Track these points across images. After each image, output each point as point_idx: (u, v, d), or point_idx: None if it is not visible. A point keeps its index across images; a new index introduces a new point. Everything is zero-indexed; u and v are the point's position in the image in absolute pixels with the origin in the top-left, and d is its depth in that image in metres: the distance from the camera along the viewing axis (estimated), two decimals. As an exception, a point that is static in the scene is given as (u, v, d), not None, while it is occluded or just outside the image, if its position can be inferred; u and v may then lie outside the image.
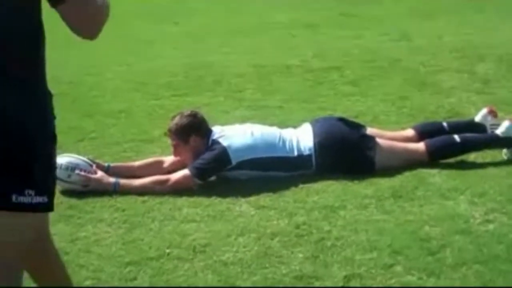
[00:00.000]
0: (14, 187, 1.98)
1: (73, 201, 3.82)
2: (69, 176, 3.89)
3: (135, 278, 3.05)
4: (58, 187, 3.88)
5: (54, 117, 2.08)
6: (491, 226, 3.34)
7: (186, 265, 3.13)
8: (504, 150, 4.13)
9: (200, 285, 2.97)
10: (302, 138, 4.03)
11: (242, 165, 3.92)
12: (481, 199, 3.62)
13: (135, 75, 6.42)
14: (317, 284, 2.92)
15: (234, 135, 3.99)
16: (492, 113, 4.37)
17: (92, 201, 3.82)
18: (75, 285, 2.67)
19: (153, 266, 3.12)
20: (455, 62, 6.28)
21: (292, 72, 6.23)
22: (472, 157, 4.15)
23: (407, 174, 3.95)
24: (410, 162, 4.03)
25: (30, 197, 1.99)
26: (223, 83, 6.00)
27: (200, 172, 3.88)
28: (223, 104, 5.45)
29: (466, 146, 4.09)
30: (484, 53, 6.51)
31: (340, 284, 2.90)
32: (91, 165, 3.97)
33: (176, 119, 4.05)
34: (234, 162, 3.92)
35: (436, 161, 4.06)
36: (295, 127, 4.25)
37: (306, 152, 3.98)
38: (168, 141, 4.11)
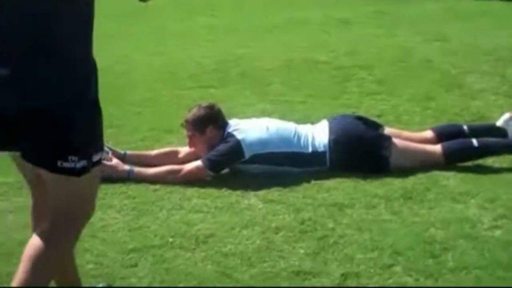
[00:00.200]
0: (59, 154, 2.22)
1: (87, 186, 3.89)
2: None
3: (136, 265, 3.09)
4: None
5: (97, 88, 2.29)
6: (498, 232, 3.30)
7: (188, 254, 3.16)
8: (523, 156, 4.07)
9: (199, 274, 3.00)
10: (317, 134, 4.03)
11: (255, 158, 3.94)
12: (492, 204, 3.57)
13: (164, 65, 6.49)
14: (313, 280, 2.92)
15: (249, 128, 4.01)
16: (515, 118, 4.31)
17: (105, 187, 3.85)
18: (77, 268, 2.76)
19: (154, 254, 3.16)
20: (487, 64, 6.19)
21: (321, 68, 6.22)
22: (489, 161, 4.09)
23: (420, 175, 3.92)
24: (426, 164, 3.99)
25: (73, 162, 2.22)
26: (250, 77, 6.02)
27: (213, 164, 3.91)
28: (248, 97, 5.48)
29: (484, 150, 4.04)
30: (518, 56, 6.42)
31: (336, 282, 2.90)
32: (107, 152, 4.02)
33: (194, 110, 4.09)
34: (247, 155, 3.94)
35: (452, 164, 4.02)
36: (313, 123, 4.26)
37: (321, 149, 3.98)
38: (184, 132, 4.15)
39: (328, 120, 4.15)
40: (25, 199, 3.75)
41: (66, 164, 2.23)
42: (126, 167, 3.95)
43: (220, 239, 3.28)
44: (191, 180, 3.88)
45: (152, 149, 4.32)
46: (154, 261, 3.12)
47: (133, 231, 3.39)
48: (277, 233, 3.33)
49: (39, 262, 2.30)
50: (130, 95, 5.57)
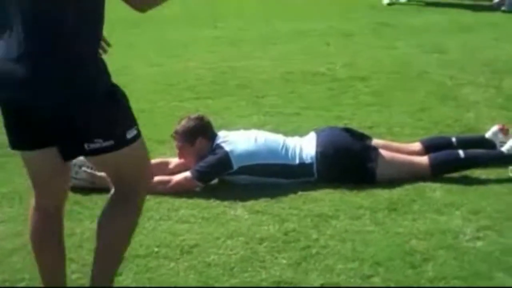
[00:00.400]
0: (85, 137, 2.51)
1: (78, 197, 3.95)
2: (76, 173, 4.01)
3: (120, 274, 3.12)
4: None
5: (109, 77, 2.53)
6: (479, 243, 3.33)
7: (171, 264, 3.22)
8: (510, 167, 4.09)
9: (180, 284, 3.05)
10: (305, 146, 4.08)
11: (243, 170, 3.99)
12: (476, 215, 3.61)
13: (164, 77, 6.55)
14: (292, 290, 2.97)
15: (238, 140, 4.06)
16: (503, 130, 4.33)
17: (96, 198, 3.93)
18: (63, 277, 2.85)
19: (139, 264, 3.22)
20: (484, 76, 6.21)
21: (318, 80, 6.25)
22: (477, 173, 4.13)
23: (407, 187, 3.96)
24: (412, 175, 4.03)
25: (99, 143, 2.51)
26: (247, 88, 6.07)
27: (202, 175, 3.97)
28: (243, 108, 5.53)
29: (470, 162, 4.08)
30: (515, 68, 6.44)
31: (315, 292, 2.95)
32: (98, 163, 4.08)
33: (184, 122, 4.14)
34: (235, 166, 3.99)
35: (439, 176, 4.05)
36: (303, 135, 4.30)
37: (308, 161, 4.03)
38: (174, 143, 4.21)
39: (316, 132, 4.20)
40: (17, 209, 3.85)
41: (93, 146, 2.51)
42: (116, 178, 4.01)
43: (204, 249, 3.34)
44: (180, 191, 3.94)
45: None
46: (138, 270, 3.18)
47: (120, 241, 3.44)
48: (260, 244, 3.38)
49: (122, 226, 2.69)
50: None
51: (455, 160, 4.06)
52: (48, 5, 2.40)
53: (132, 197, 2.68)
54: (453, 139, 4.31)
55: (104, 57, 2.62)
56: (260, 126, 4.77)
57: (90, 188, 4.01)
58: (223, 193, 3.93)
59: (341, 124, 4.75)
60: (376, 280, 3.02)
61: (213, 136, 4.12)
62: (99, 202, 3.88)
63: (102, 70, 2.54)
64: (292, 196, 3.88)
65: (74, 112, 2.46)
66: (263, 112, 5.41)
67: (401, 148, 4.26)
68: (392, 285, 2.98)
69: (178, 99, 5.82)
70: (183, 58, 7.42)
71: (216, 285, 3.03)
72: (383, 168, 4.00)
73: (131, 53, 7.41)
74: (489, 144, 4.29)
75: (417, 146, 4.29)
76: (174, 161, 4.22)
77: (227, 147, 4.00)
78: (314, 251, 3.30)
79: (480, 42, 7.71)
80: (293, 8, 10.09)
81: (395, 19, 9.08)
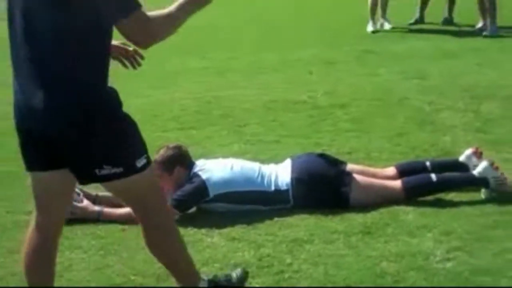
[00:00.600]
0: (95, 164, 2.68)
1: (59, 228, 4.03)
2: (56, 204, 4.09)
3: (96, 302, 3.22)
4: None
5: (118, 104, 2.72)
6: (449, 264, 3.41)
7: (146, 292, 3.29)
8: (483, 190, 4.18)
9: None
10: (280, 173, 4.17)
11: (219, 197, 4.07)
12: (447, 237, 3.69)
13: (149, 107, 6.64)
14: (264, 315, 3.04)
15: (214, 168, 4.15)
16: (476, 154, 4.42)
17: (76, 228, 4.01)
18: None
19: (115, 292, 3.29)
20: (462, 101, 6.30)
21: (299, 108, 6.36)
22: (450, 195, 4.21)
23: (382, 210, 4.04)
24: (386, 199, 4.11)
25: (108, 170, 2.67)
26: (230, 117, 6.17)
27: (179, 204, 4.04)
28: (224, 137, 5.63)
29: (442, 185, 4.16)
30: (494, 93, 6.53)
31: (286, 316, 3.01)
32: (78, 194, 4.16)
33: (162, 151, 4.23)
34: (212, 194, 4.07)
35: (413, 199, 4.14)
36: (278, 162, 4.39)
37: (284, 187, 4.11)
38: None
39: (292, 158, 4.29)
40: None
41: (103, 172, 2.68)
42: (96, 208, 4.10)
43: (179, 276, 3.40)
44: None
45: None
46: (114, 299, 3.25)
47: (97, 271, 3.52)
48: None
49: (169, 250, 2.95)
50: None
51: (428, 183, 4.15)
52: (53, 41, 2.61)
53: (156, 219, 2.88)
54: (427, 163, 4.40)
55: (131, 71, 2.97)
56: (240, 155, 4.87)
57: (71, 218, 4.08)
58: (200, 221, 4.02)
59: (319, 151, 4.84)
60: (347, 303, 3.09)
61: (191, 165, 4.21)
62: (79, 232, 3.98)
63: (111, 98, 2.71)
64: (268, 222, 3.96)
65: (82, 138, 2.64)
66: (244, 140, 5.51)
67: (375, 173, 4.35)
68: (362, 307, 3.05)
69: (161, 129, 5.91)
70: (170, 89, 7.53)
71: (190, 311, 3.09)
72: (357, 193, 4.08)
73: (120, 84, 7.50)
74: (462, 167, 4.38)
75: (391, 171, 4.37)
76: (153, 190, 4.29)
77: (203, 175, 4.09)
78: (287, 275, 3.37)
79: (462, 68, 7.82)
80: (280, 38, 10.22)
81: (379, 46, 9.21)
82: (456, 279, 3.26)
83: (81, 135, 2.64)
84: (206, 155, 4.67)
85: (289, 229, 3.88)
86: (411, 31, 10.33)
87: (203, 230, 3.90)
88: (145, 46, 2.75)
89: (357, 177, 4.16)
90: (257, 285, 3.28)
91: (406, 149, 5.09)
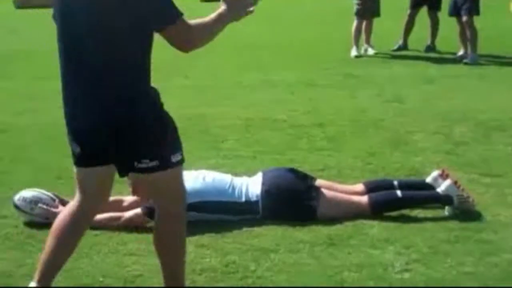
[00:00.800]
0: (136, 157, 2.93)
1: (33, 231, 4.16)
2: (32, 209, 4.22)
3: (63, 301, 3.33)
4: (22, 219, 4.24)
5: (159, 103, 3.01)
6: (407, 275, 3.54)
7: (113, 292, 3.41)
8: (447, 207, 4.32)
9: (120, 311, 3.23)
10: (251, 185, 4.30)
11: (190, 207, 4.13)
12: (407, 250, 3.82)
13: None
14: (223, 318, 3.15)
15: (186, 179, 4.19)
16: (443, 175, 4.54)
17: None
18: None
19: (82, 292, 3.41)
20: (435, 124, 6.48)
21: (277, 126, 6.52)
22: (415, 212, 4.35)
23: (347, 223, 4.17)
24: (353, 214, 4.24)
25: (146, 163, 2.92)
26: (209, 134, 6.31)
27: (151, 211, 4.14)
28: (203, 152, 5.75)
29: (407, 202, 4.31)
30: (468, 117, 6.71)
31: (246, 319, 3.13)
32: (54, 200, 4.29)
33: (137, 162, 4.35)
34: (184, 203, 4.19)
35: (378, 214, 4.27)
36: (251, 175, 4.52)
37: (254, 199, 4.24)
38: (128, 181, 4.41)
39: (263, 172, 4.43)
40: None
41: (141, 165, 2.93)
42: (71, 213, 4.20)
43: (147, 279, 3.53)
44: (131, 226, 4.14)
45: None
46: (81, 298, 3.36)
47: (68, 272, 3.60)
48: (200, 274, 3.58)
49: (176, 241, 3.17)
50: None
51: (394, 200, 4.29)
52: (102, 43, 2.88)
53: (175, 208, 3.10)
54: (395, 182, 4.53)
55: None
56: (216, 168, 4.99)
57: (45, 223, 4.20)
58: (172, 229, 4.12)
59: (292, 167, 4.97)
60: (305, 307, 3.22)
61: (165, 175, 4.33)
62: (53, 236, 4.07)
63: (154, 96, 2.99)
64: (237, 231, 4.09)
65: (128, 133, 2.89)
66: (221, 155, 5.64)
67: (344, 189, 4.48)
68: (319, 312, 3.18)
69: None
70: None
71: (154, 311, 3.21)
72: (325, 207, 4.22)
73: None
74: (428, 188, 4.50)
75: (359, 187, 4.51)
76: (128, 199, 4.41)
77: (176, 185, 4.21)
78: (250, 281, 3.50)
79: (439, 93, 8.01)
80: (265, 60, 10.41)
81: (360, 71, 9.41)
82: (411, 289, 3.40)
83: (127, 130, 2.89)
84: (184, 168, 4.78)
85: (257, 238, 4.00)
86: (393, 57, 10.56)
87: (173, 238, 4.01)
88: (186, 51, 3.03)
89: (325, 191, 4.30)
90: (220, 289, 3.41)
91: (376, 168, 5.24)
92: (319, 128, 6.40)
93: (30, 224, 4.24)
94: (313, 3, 15.67)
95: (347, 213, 4.23)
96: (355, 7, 10.70)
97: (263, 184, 4.28)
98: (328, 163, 5.39)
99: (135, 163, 2.94)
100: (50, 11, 3.12)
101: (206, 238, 4.00)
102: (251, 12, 3.11)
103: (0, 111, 7.54)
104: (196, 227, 4.13)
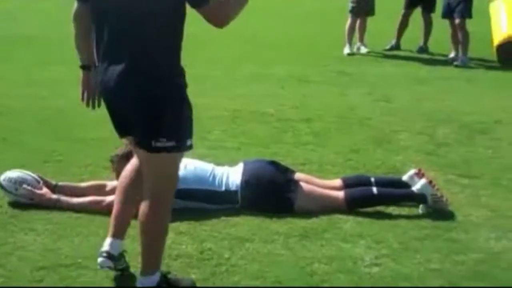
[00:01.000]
0: (153, 136, 3.03)
1: (17, 211, 4.27)
2: (16, 189, 4.33)
3: (41, 280, 3.46)
4: (7, 199, 4.35)
5: (185, 86, 3.13)
6: (375, 269, 3.66)
7: (91, 273, 3.52)
8: (420, 206, 4.44)
9: (95, 291, 3.35)
10: (232, 175, 4.41)
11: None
12: (378, 245, 3.94)
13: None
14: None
15: (169, 167, 4.37)
16: (419, 174, 4.66)
17: (33, 213, 4.24)
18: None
19: (60, 272, 3.53)
20: (420, 125, 6.59)
21: (264, 120, 6.62)
22: (389, 209, 4.46)
23: (323, 217, 4.29)
24: (329, 208, 4.35)
25: (163, 142, 3.03)
26: (197, 124, 6.35)
27: (133, 197, 4.26)
28: (189, 142, 5.84)
29: (382, 198, 4.42)
30: (453, 119, 6.82)
31: (216, 305, 3.25)
32: (38, 182, 4.39)
33: (123, 146, 4.45)
34: (164, 190, 4.29)
35: (354, 210, 4.38)
36: (233, 165, 4.63)
37: (233, 188, 4.35)
38: (112, 167, 4.52)
39: (244, 162, 4.54)
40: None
41: (158, 144, 3.02)
42: (54, 196, 4.32)
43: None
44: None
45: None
46: (58, 278, 3.48)
47: (47, 252, 3.74)
48: (176, 260, 3.70)
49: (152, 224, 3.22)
50: (79, 134, 5.96)
51: (369, 196, 4.40)
52: (132, 23, 3.01)
53: (164, 192, 3.18)
54: (372, 179, 4.64)
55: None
56: (201, 158, 5.09)
57: (29, 204, 4.31)
58: (152, 215, 4.23)
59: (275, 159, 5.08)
60: (275, 296, 3.33)
61: (148, 162, 4.43)
62: (35, 216, 4.20)
63: (182, 77, 3.10)
64: (214, 220, 4.20)
65: (151, 111, 3.00)
66: (207, 145, 5.74)
67: (322, 183, 4.59)
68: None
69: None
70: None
71: (127, 292, 3.33)
72: (302, 200, 4.33)
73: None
74: (404, 186, 4.62)
75: (337, 182, 4.62)
76: (111, 183, 4.51)
77: (158, 173, 4.31)
78: (224, 268, 3.61)
79: (427, 94, 8.10)
80: (262, 54, 10.46)
81: (352, 69, 9.50)
82: (378, 282, 3.52)
83: (151, 108, 2.99)
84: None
85: (234, 227, 4.12)
86: (386, 56, 10.64)
87: (152, 223, 4.12)
88: (222, 26, 3.11)
89: (304, 185, 4.41)
90: (194, 275, 3.52)
91: (357, 165, 5.35)
92: (305, 123, 6.50)
93: (14, 204, 4.34)
94: (314, 2, 15.77)
95: (324, 207, 4.34)
96: (349, 5, 10.79)
97: (243, 174, 4.39)
98: (310, 157, 5.50)
99: (153, 142, 3.03)
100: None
101: (184, 225, 4.11)
102: None
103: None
104: (174, 214, 4.16)
